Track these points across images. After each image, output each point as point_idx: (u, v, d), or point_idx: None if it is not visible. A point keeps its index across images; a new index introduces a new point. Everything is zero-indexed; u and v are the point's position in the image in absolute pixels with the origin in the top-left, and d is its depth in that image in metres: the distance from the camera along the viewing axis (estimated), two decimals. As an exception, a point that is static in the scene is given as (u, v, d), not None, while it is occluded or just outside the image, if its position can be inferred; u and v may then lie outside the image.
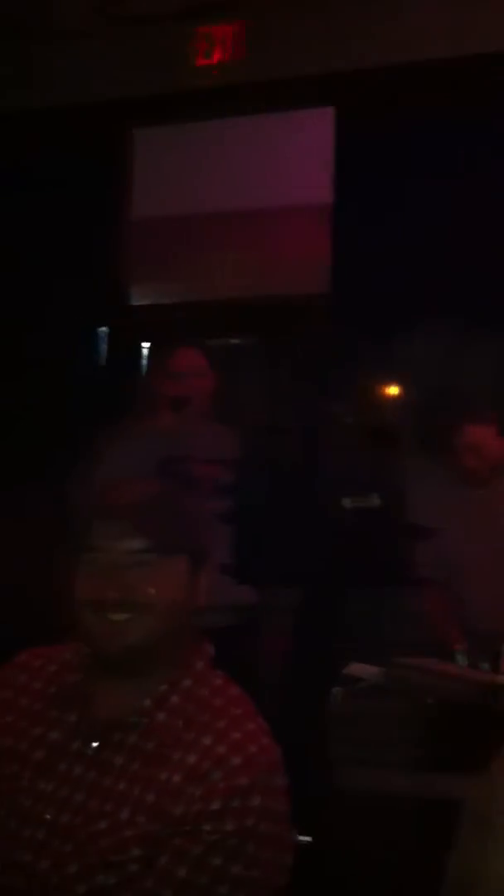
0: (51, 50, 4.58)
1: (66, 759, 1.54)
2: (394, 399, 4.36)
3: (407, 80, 4.13)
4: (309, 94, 4.32)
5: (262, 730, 1.51)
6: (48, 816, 1.50)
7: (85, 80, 4.57)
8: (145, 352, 4.58)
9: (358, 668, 2.64)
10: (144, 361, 4.56)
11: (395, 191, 4.19)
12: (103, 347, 4.68)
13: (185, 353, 3.50)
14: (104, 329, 4.69)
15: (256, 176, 4.54)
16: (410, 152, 4.18)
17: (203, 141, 4.61)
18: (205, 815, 1.42)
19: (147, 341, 4.54)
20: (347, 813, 2.42)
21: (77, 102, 4.57)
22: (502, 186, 3.99)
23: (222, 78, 4.40)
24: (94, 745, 1.52)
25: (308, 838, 2.01)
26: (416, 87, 4.12)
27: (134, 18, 4.42)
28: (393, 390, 4.39)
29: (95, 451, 3.33)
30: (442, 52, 4.03)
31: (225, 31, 4.33)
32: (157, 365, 3.60)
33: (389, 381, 4.38)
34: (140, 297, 4.70)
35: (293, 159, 4.48)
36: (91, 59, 4.56)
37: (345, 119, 4.30)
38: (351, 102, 4.26)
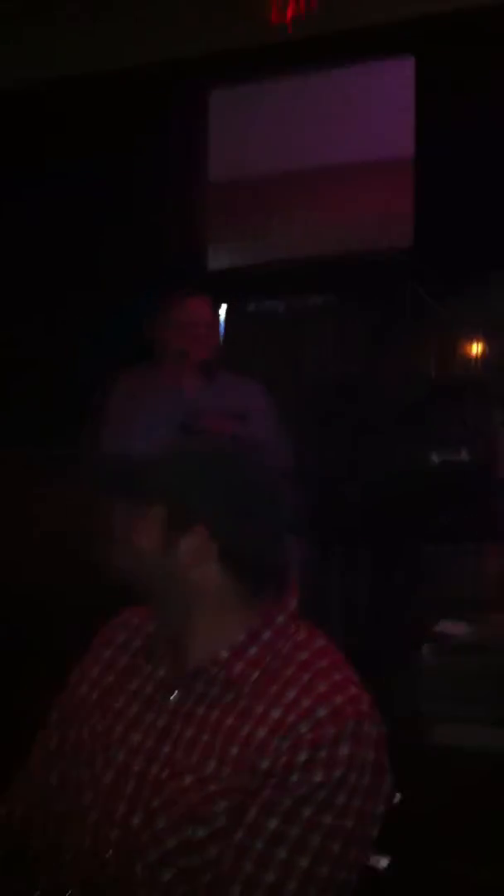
0: (121, 10, 4.54)
1: (154, 712, 1.55)
2: (482, 354, 4.26)
3: (489, 25, 4.00)
4: (387, 43, 4.22)
5: (349, 680, 1.48)
6: (137, 769, 1.51)
7: (160, 39, 4.53)
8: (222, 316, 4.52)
9: (448, 626, 2.60)
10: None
11: (480, 142, 4.07)
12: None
13: (194, 303, 3.40)
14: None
15: (336, 132, 4.46)
16: (494, 102, 4.06)
17: (280, 98, 4.54)
18: (292, 766, 1.40)
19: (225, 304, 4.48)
20: (437, 768, 2.39)
21: (152, 62, 4.54)
22: None
23: (298, 33, 4.31)
24: (174, 696, 1.52)
25: (399, 796, 1.99)
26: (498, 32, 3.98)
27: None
28: (480, 345, 4.29)
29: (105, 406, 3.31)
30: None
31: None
32: (164, 315, 3.47)
33: (476, 335, 4.28)
34: (218, 261, 4.66)
35: (373, 113, 4.39)
36: (167, 18, 4.52)
37: (426, 68, 4.18)
38: (432, 50, 4.14)
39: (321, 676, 1.47)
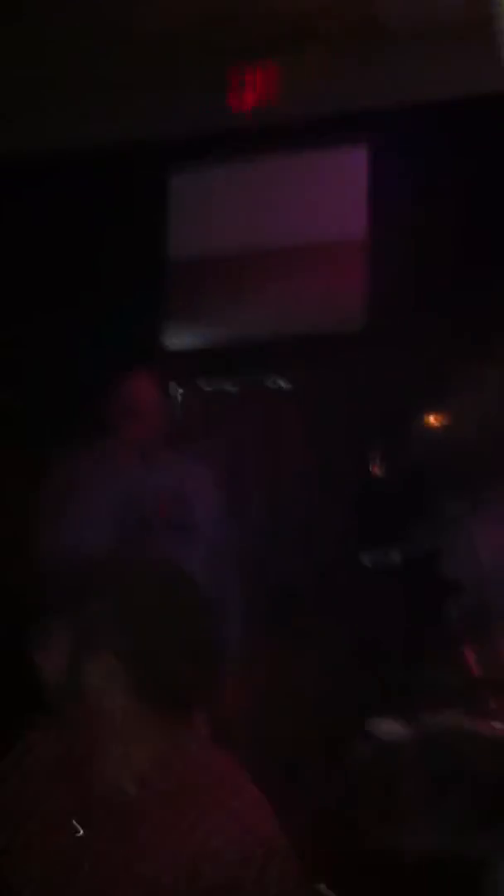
0: (92, 92, 4.62)
1: (55, 840, 1.51)
2: (433, 441, 4.28)
3: (438, 117, 4.10)
4: (342, 133, 4.31)
5: (256, 810, 1.45)
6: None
7: (122, 122, 4.60)
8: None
9: (381, 725, 2.57)
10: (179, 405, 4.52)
11: (429, 224, 4.15)
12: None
13: (140, 382, 3.29)
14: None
15: (292, 215, 4.53)
16: (444, 187, 4.14)
17: (237, 182, 4.61)
18: None
19: (180, 384, 4.51)
20: (367, 870, 2.35)
21: (114, 145, 4.60)
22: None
23: (257, 120, 4.40)
24: (77, 826, 1.49)
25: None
26: (448, 124, 4.09)
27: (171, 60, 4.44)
28: (431, 427, 4.31)
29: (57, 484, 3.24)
30: (474, 89, 3.99)
31: (257, 72, 4.33)
32: (113, 395, 3.35)
33: (427, 421, 4.31)
34: (176, 340, 4.69)
35: (328, 196, 4.47)
36: (128, 101, 4.59)
37: (377, 156, 4.27)
38: (383, 140, 4.23)
39: (226, 808, 1.43)
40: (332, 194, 4.46)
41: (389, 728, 2.53)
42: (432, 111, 4.09)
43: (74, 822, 1.50)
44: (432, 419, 4.26)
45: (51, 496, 3.20)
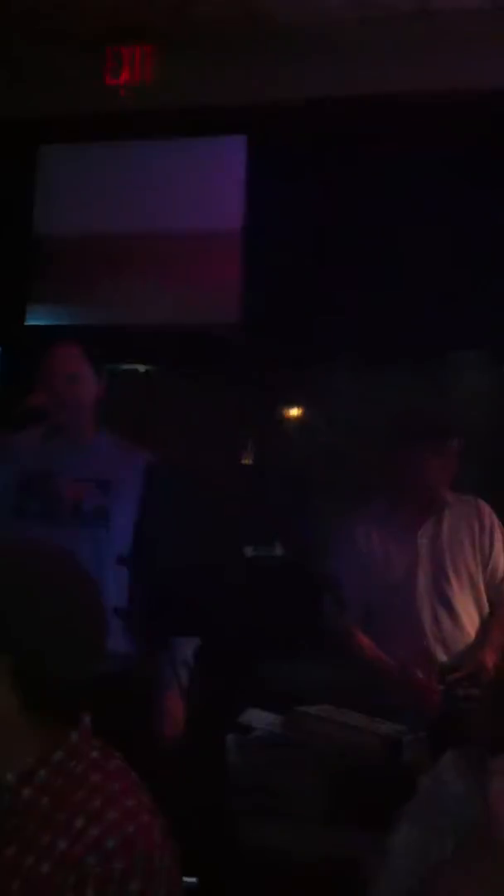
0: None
1: None
2: (308, 435, 4.31)
3: (317, 113, 4.12)
4: (223, 122, 4.28)
5: (142, 805, 1.40)
6: None
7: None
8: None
9: (253, 716, 2.56)
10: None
11: (305, 218, 4.17)
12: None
13: (57, 352, 2.94)
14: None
15: (166, 200, 4.47)
16: (322, 181, 4.17)
17: (112, 162, 4.52)
18: None
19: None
20: (245, 866, 2.33)
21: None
22: (414, 212, 4.01)
23: (134, 102, 4.33)
24: None
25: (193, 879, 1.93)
26: (327, 120, 4.12)
27: (47, 36, 4.32)
28: (305, 424, 4.34)
29: None
30: (352, 88, 4.04)
31: (135, 52, 4.26)
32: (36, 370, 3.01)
33: (301, 415, 4.34)
34: (40, 318, 4.57)
35: (205, 184, 4.43)
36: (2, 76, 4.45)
37: (257, 148, 4.26)
38: (263, 132, 4.23)
39: (112, 802, 1.38)
40: (208, 182, 4.42)
41: (263, 719, 2.53)
42: (312, 106, 4.11)
43: None
44: (308, 414, 4.30)
45: None
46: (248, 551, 2.21)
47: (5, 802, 1.39)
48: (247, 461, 3.87)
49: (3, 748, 1.42)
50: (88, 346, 2.98)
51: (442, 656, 2.99)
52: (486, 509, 3.18)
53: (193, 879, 2.16)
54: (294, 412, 4.36)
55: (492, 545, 3.14)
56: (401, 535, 3.10)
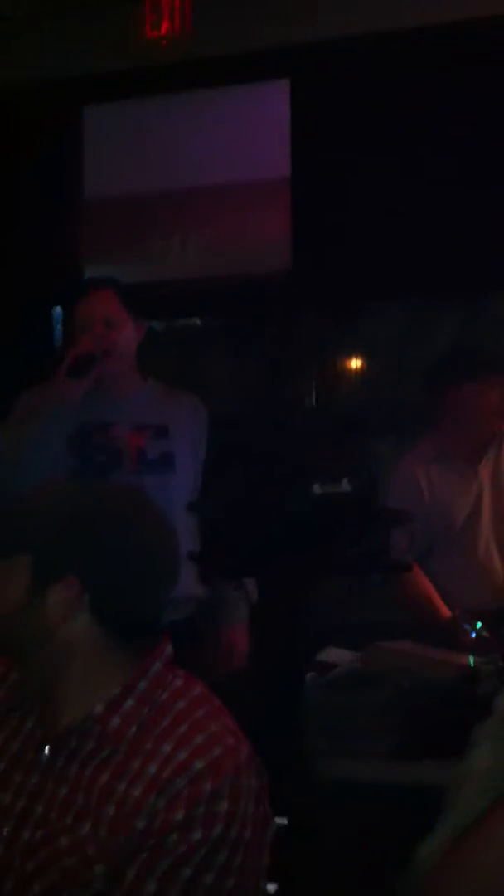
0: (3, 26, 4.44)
1: (23, 770, 1.46)
2: (362, 378, 4.29)
3: (363, 51, 4.04)
4: (265, 66, 4.22)
5: (227, 730, 1.42)
6: (7, 832, 1.42)
7: (32, 58, 4.45)
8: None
9: (333, 654, 2.57)
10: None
11: (353, 162, 4.11)
12: (59, 328, 4.53)
13: (93, 298, 2.85)
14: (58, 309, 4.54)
15: (211, 152, 4.44)
16: (368, 123, 4.10)
17: (155, 117, 4.49)
18: (170, 826, 1.34)
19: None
20: (324, 803, 2.35)
21: (27, 82, 4.45)
22: (458, 157, 3.93)
23: (174, 54, 4.28)
24: (46, 753, 1.44)
25: (284, 820, 1.95)
26: (372, 58, 4.03)
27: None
28: (359, 368, 4.31)
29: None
30: (397, 23, 3.95)
31: (174, 1, 4.21)
32: (69, 317, 2.95)
33: (356, 359, 4.31)
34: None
35: (250, 133, 4.38)
36: (36, 35, 4.43)
37: (301, 91, 4.20)
38: (306, 74, 4.16)
39: (198, 727, 1.40)
40: (253, 131, 4.37)
41: (341, 657, 2.54)
42: (355, 44, 4.03)
43: (46, 750, 1.45)
44: (363, 358, 4.27)
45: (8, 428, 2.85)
46: (316, 489, 2.20)
47: (95, 731, 1.41)
48: (307, 406, 3.87)
49: (89, 679, 1.45)
50: (123, 290, 2.92)
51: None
52: None
53: (284, 820, 2.18)
54: (349, 356, 4.33)
55: None
56: (461, 470, 3.12)
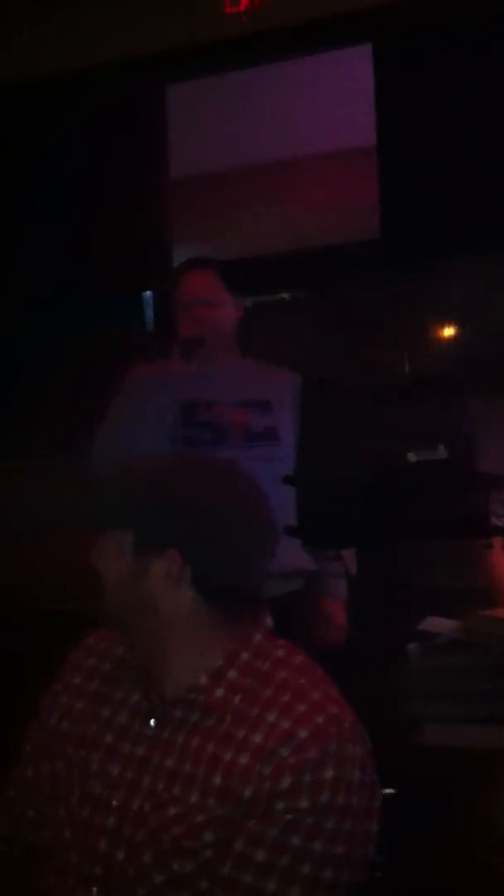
0: (76, 9, 4.48)
1: (131, 741, 1.50)
2: (455, 342, 4.23)
3: (445, 12, 3.96)
4: (345, 31, 4.17)
5: (329, 698, 1.43)
6: (115, 802, 1.46)
7: (110, 37, 4.47)
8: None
9: (434, 623, 2.56)
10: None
11: (440, 127, 4.03)
12: (149, 311, 4.57)
13: (194, 279, 2.93)
14: (148, 293, 4.58)
15: (297, 123, 4.41)
16: (454, 86, 4.02)
17: (237, 91, 4.48)
18: (276, 794, 1.36)
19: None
20: (428, 768, 2.34)
21: (106, 61, 4.47)
22: None
23: (252, 25, 4.26)
24: (153, 724, 1.47)
25: (392, 790, 1.95)
26: (456, 19, 3.95)
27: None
28: (451, 332, 4.25)
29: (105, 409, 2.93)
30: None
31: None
32: (172, 296, 3.00)
33: (447, 324, 4.25)
34: (183, 258, 4.60)
35: (334, 100, 4.34)
36: (116, 14, 4.46)
37: (384, 55, 4.13)
38: (389, 37, 4.10)
39: (300, 696, 1.42)
40: (337, 99, 4.33)
41: (442, 625, 2.52)
42: (439, 5, 3.95)
43: (151, 720, 1.48)
44: (458, 325, 4.20)
45: (108, 413, 2.93)
46: (411, 457, 2.18)
47: (200, 702, 1.44)
48: (402, 373, 3.83)
49: (193, 651, 1.48)
50: (223, 270, 2.96)
51: None
52: None
53: (392, 790, 2.19)
54: (443, 324, 4.27)
55: None
56: None
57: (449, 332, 4.23)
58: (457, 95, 4.00)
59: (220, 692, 1.45)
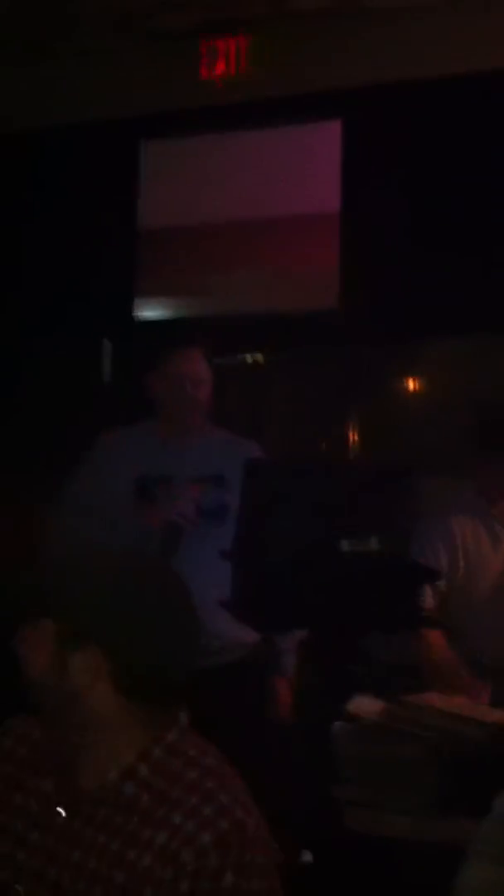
0: (61, 69, 4.56)
1: (40, 830, 1.51)
2: (409, 420, 4.28)
3: (411, 95, 4.07)
4: (316, 107, 4.27)
5: (237, 802, 1.45)
6: (19, 888, 1.47)
7: (95, 95, 4.54)
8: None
9: (362, 705, 2.59)
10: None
11: (402, 203, 4.13)
12: (107, 362, 4.61)
13: (192, 357, 2.97)
14: (108, 343, 4.62)
15: (265, 188, 4.49)
16: (417, 164, 4.13)
17: (210, 154, 4.56)
18: None
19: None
20: (350, 854, 2.36)
21: (87, 118, 4.54)
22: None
23: (229, 94, 4.35)
24: (62, 816, 1.49)
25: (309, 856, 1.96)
26: (421, 102, 4.07)
27: (151, 34, 4.37)
28: (400, 414, 4.30)
29: (71, 469, 2.99)
30: (447, 69, 3.98)
31: (229, 44, 4.28)
32: (155, 369, 3.04)
33: (397, 404, 4.31)
34: (148, 312, 4.65)
35: (301, 172, 4.42)
36: (101, 75, 4.53)
37: (352, 132, 4.24)
38: (358, 116, 4.20)
39: (208, 799, 1.43)
40: (305, 168, 4.42)
41: (370, 707, 2.55)
42: (407, 88, 4.06)
43: (60, 809, 1.50)
44: (410, 399, 4.26)
45: (76, 471, 2.99)
46: (344, 545, 2.22)
47: (109, 798, 1.46)
48: (348, 449, 3.86)
49: (107, 745, 1.49)
50: (207, 346, 3.02)
51: None
52: None
53: (308, 855, 2.20)
54: (397, 396, 4.33)
55: None
56: (494, 530, 3.11)
57: (397, 413, 4.28)
58: (419, 173, 4.11)
59: (130, 788, 1.46)
